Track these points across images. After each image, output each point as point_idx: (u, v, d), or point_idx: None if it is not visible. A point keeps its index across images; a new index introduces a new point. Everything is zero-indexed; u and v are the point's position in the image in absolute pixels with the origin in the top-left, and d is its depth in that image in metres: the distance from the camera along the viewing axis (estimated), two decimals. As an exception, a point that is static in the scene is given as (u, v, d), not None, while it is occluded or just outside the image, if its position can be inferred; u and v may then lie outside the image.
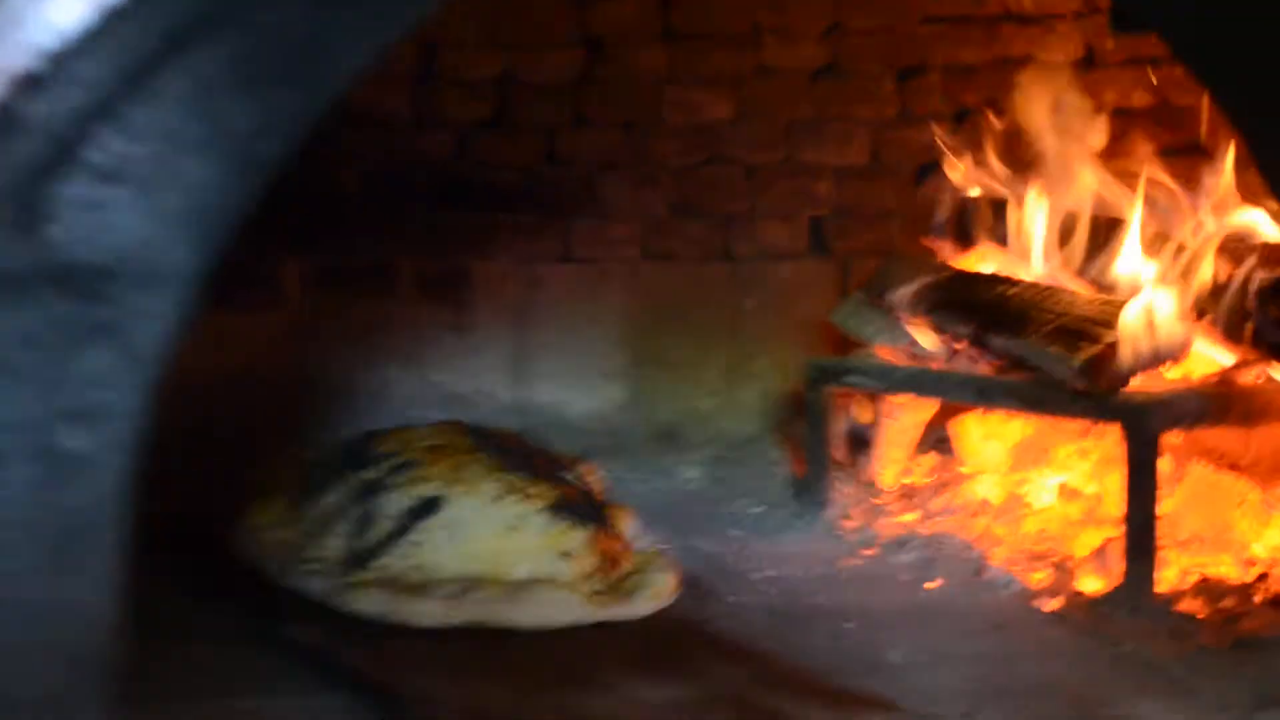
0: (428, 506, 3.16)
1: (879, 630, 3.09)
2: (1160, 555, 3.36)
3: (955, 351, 3.74)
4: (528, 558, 3.11)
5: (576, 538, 3.19)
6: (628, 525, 3.47)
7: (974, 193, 4.12)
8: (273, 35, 1.44)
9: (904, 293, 3.92)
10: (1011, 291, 3.69)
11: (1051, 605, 3.23)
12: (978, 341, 3.61)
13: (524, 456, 3.44)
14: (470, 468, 3.26)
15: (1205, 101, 3.39)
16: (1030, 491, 3.85)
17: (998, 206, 3.99)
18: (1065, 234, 3.80)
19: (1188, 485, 3.61)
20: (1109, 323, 3.34)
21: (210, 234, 1.44)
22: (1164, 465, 3.71)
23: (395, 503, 3.18)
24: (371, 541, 3.13)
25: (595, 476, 3.70)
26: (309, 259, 4.62)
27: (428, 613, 2.98)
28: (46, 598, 1.31)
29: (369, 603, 3.00)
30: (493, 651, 2.91)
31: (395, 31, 1.52)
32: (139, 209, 1.34)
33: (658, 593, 3.20)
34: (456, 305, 4.71)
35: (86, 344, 1.36)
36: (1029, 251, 3.85)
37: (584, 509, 3.30)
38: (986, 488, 3.89)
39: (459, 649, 2.93)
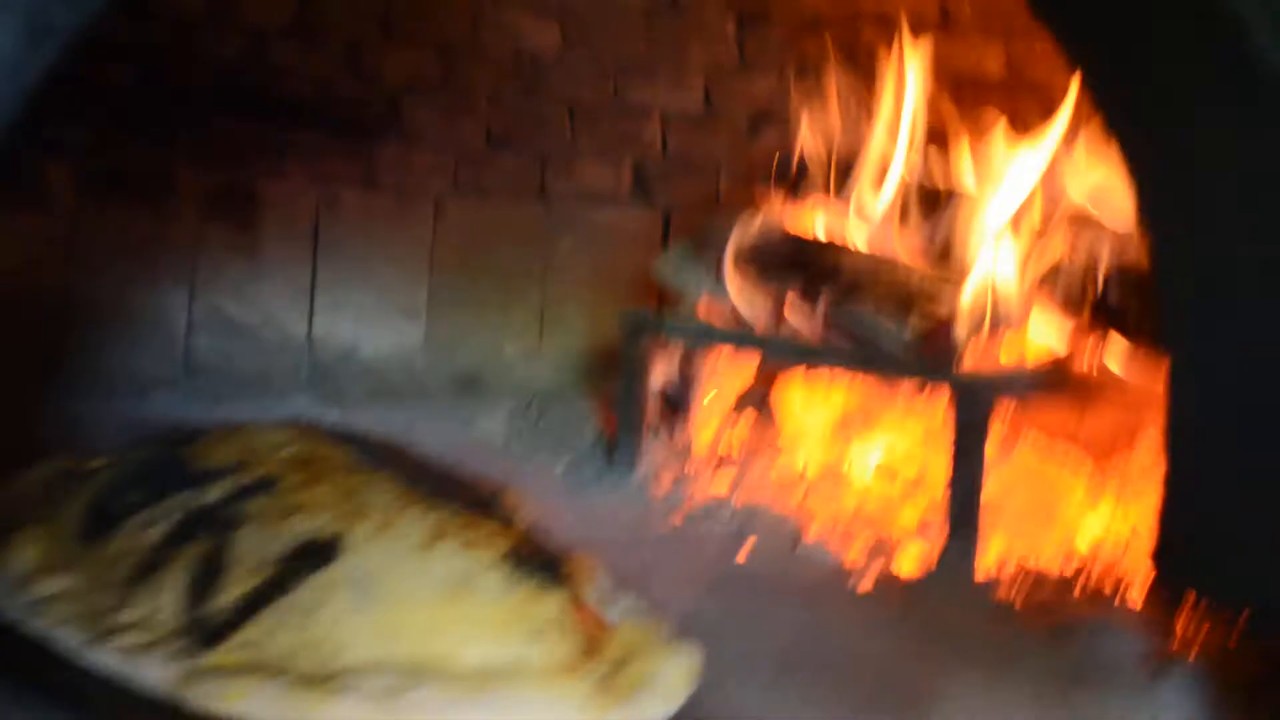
0: (316, 552, 2.28)
1: (685, 597, 3.18)
2: (980, 542, 3.53)
3: (780, 319, 3.86)
4: (481, 636, 2.29)
5: (549, 607, 2.39)
6: (592, 585, 2.66)
7: (813, 147, 4.23)
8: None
9: (732, 250, 4.02)
10: (845, 259, 3.81)
11: (867, 584, 3.36)
12: (807, 297, 3.73)
13: (436, 479, 2.69)
14: (369, 494, 2.45)
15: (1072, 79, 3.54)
16: (851, 465, 3.99)
17: (839, 169, 4.11)
18: (903, 202, 3.94)
19: (1013, 468, 3.78)
20: (937, 294, 3.49)
21: (6, 99, 1.47)
22: (989, 448, 3.89)
23: (259, 545, 2.30)
24: (226, 604, 2.23)
25: (524, 510, 2.90)
26: (78, 159, 4.55)
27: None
28: None
29: (244, 703, 2.09)
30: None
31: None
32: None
33: (670, 690, 2.45)
34: (242, 225, 4.68)
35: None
36: (867, 219, 3.98)
37: (548, 562, 2.54)
38: (805, 459, 4.02)
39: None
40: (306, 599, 2.22)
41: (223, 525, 2.33)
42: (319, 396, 4.72)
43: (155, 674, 2.13)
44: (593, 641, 2.42)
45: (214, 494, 2.40)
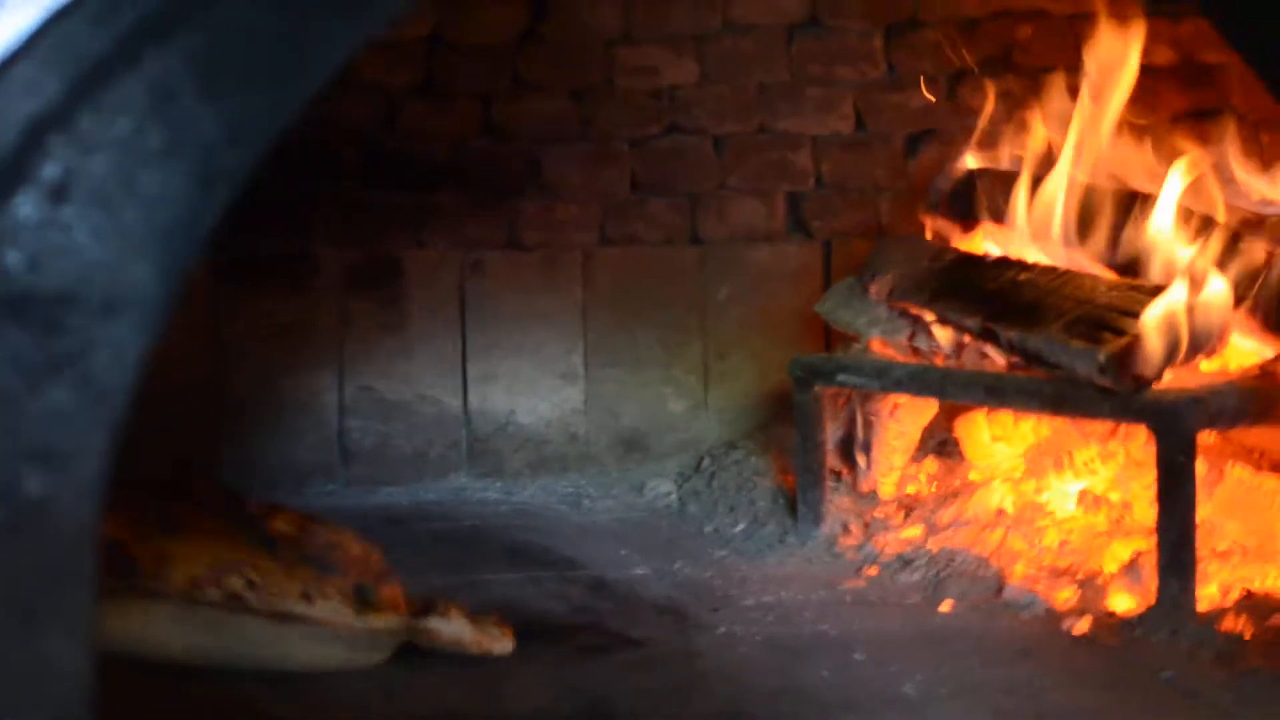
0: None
1: (891, 660, 3.16)
2: (1199, 569, 3.45)
3: (961, 345, 3.81)
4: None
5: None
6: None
7: (975, 165, 4.19)
8: (237, 35, 1.49)
9: (900, 279, 3.99)
10: (1024, 277, 3.76)
11: (1080, 627, 3.30)
12: (986, 335, 3.68)
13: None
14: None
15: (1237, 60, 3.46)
16: (1050, 500, 3.93)
17: (1004, 180, 4.05)
18: (1084, 211, 3.87)
19: (1225, 490, 3.70)
20: (1135, 312, 3.42)
21: (174, 253, 1.49)
22: (1199, 468, 3.81)
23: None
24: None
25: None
26: (214, 244, 4.61)
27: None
28: (16, 658, 1.36)
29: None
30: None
31: (372, 27, 1.57)
32: (96, 228, 1.39)
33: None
34: (387, 299, 4.75)
35: (47, 379, 1.41)
36: (1043, 231, 3.92)
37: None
38: (999, 496, 3.97)
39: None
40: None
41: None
42: (479, 471, 4.76)
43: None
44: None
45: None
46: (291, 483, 4.64)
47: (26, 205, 1.42)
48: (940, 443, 4.42)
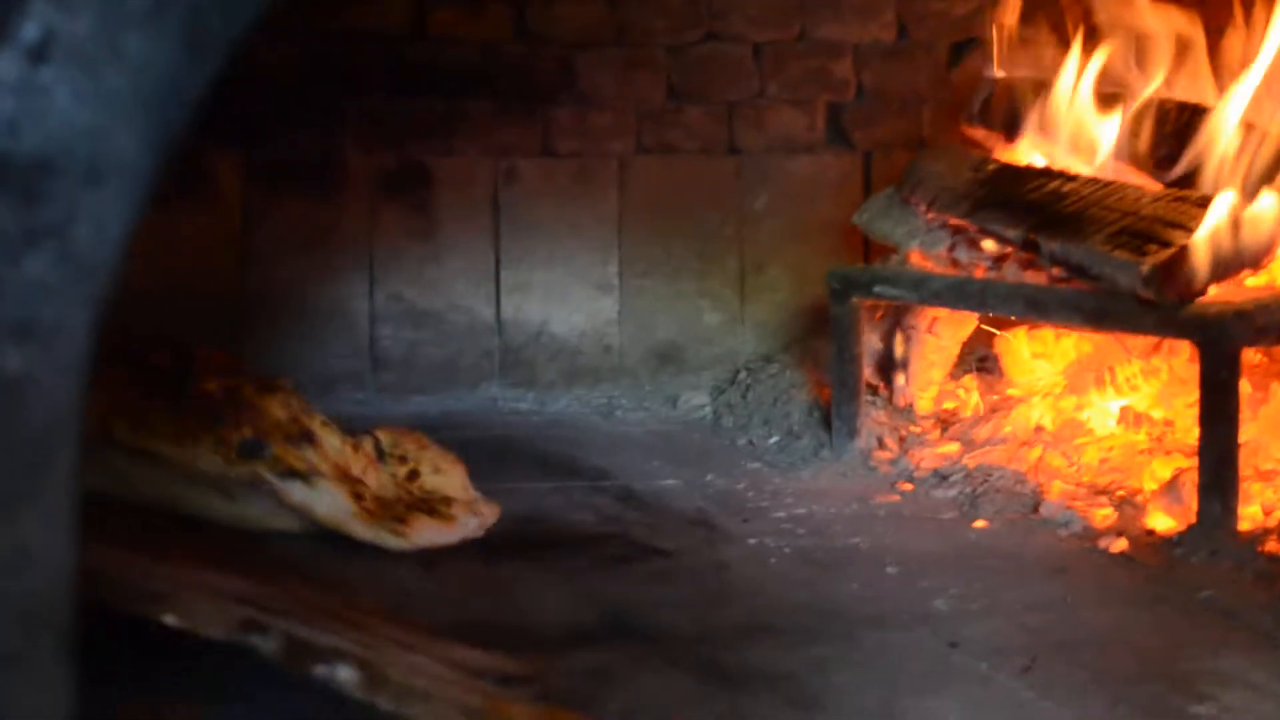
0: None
1: (922, 575, 3.08)
2: (1241, 488, 3.37)
3: (1002, 258, 3.71)
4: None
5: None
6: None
7: (1020, 73, 4.08)
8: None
9: (940, 190, 3.89)
10: (1068, 188, 3.66)
11: (1117, 546, 3.22)
12: (1028, 246, 3.58)
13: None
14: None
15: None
16: (1090, 417, 3.85)
17: (1049, 88, 3.94)
18: (1131, 120, 3.77)
19: (1271, 409, 3.61)
20: (1181, 223, 3.32)
21: (161, 122, 1.41)
22: (1244, 386, 3.72)
23: None
24: None
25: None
26: (245, 151, 4.56)
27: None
28: (-5, 544, 1.29)
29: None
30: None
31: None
32: (78, 92, 1.30)
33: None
34: (418, 206, 4.67)
35: (25, 250, 1.33)
36: (1087, 141, 3.82)
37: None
38: (1039, 413, 3.88)
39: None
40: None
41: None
42: (511, 382, 4.70)
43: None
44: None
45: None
46: (320, 390, 4.52)
47: (4, 66, 1.34)
48: (980, 359, 4.34)
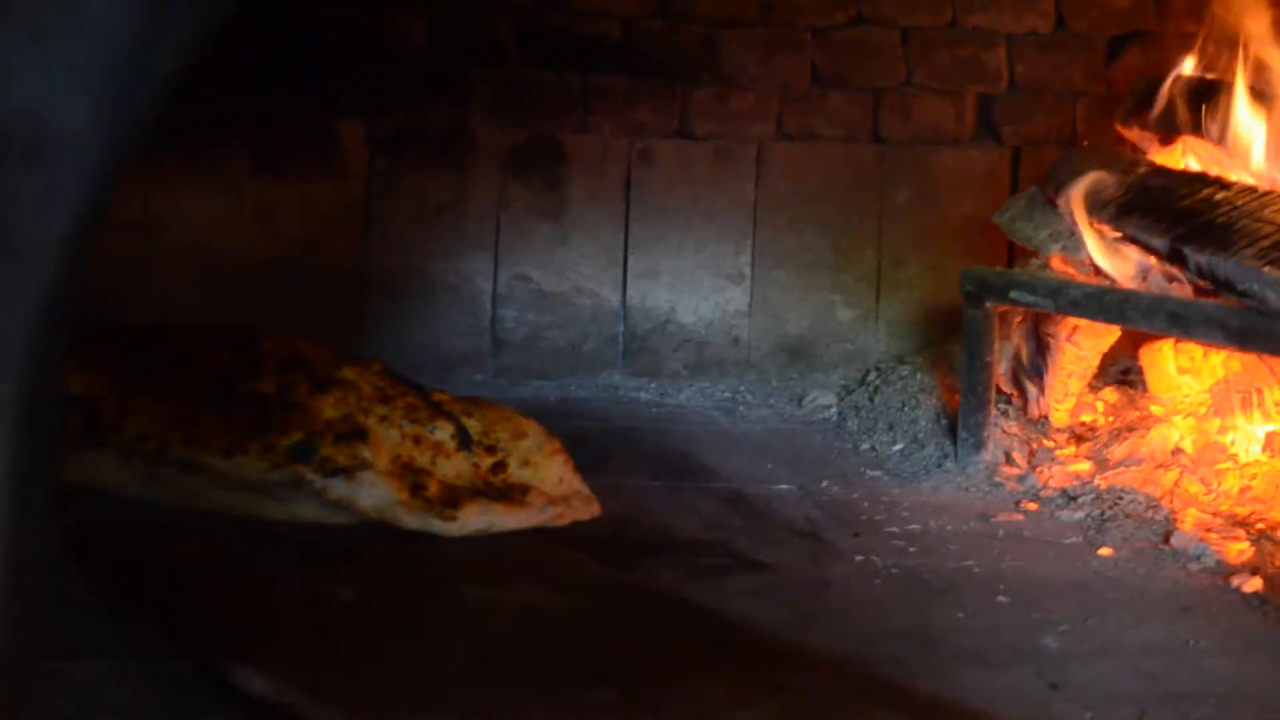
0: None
1: (1036, 605, 2.89)
2: (1389, 526, 3.14)
3: (1148, 268, 3.49)
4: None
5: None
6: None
7: (1184, 71, 3.85)
8: None
9: (1087, 192, 3.67)
10: (1221, 196, 3.42)
11: (1251, 585, 3.00)
12: (1174, 256, 3.36)
13: None
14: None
15: None
16: (1234, 441, 3.62)
17: (1212, 91, 3.71)
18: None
19: None
20: (1343, 238, 3.09)
21: (121, 92, 1.25)
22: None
23: None
24: None
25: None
26: (371, 120, 4.44)
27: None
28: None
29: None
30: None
31: None
32: (26, 59, 1.16)
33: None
34: (548, 184, 4.53)
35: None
36: (1248, 147, 3.58)
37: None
38: (1179, 434, 3.66)
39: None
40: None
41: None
42: (634, 371, 4.55)
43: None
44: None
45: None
46: (438, 370, 4.45)
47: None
48: (1123, 371, 4.13)
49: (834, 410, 4.30)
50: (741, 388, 4.53)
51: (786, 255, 4.59)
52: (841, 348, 4.59)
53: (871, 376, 4.38)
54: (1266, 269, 3.11)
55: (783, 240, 4.59)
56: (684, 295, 4.57)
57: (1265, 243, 3.19)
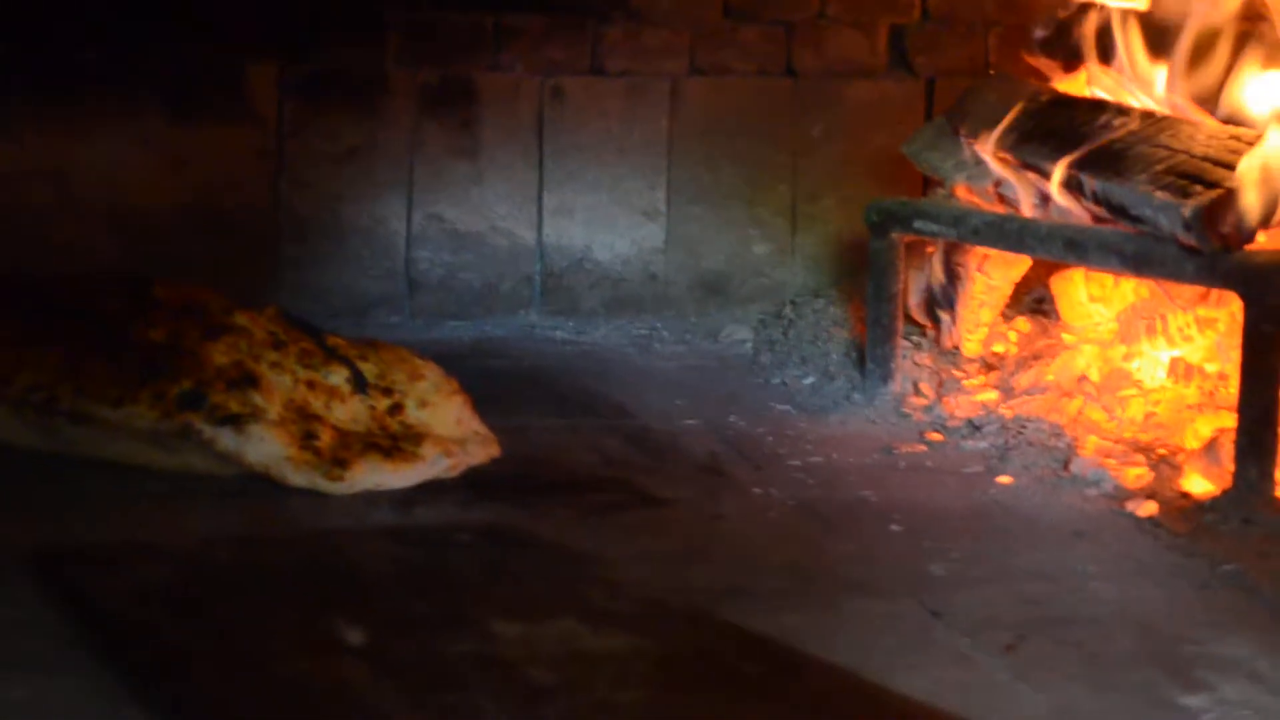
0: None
1: (927, 535, 2.89)
2: (1282, 449, 3.14)
3: (1049, 195, 3.48)
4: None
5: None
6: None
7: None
8: None
9: (990, 121, 3.66)
10: (1119, 122, 3.41)
11: (1146, 510, 3.00)
12: (1070, 183, 3.35)
13: None
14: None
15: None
16: (1140, 367, 3.62)
17: (1113, 17, 3.68)
18: (1197, 53, 3.50)
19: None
20: (1234, 164, 3.07)
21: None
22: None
23: None
24: None
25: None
26: (284, 65, 4.40)
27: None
28: None
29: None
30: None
31: None
32: None
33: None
34: (461, 123, 4.49)
35: None
36: (1148, 74, 3.56)
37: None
38: (1085, 361, 3.66)
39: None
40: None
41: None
42: (551, 309, 4.53)
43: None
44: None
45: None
46: (354, 312, 4.44)
47: None
48: (1037, 300, 4.12)
49: (749, 345, 4.30)
50: (658, 324, 4.51)
51: (702, 191, 4.57)
52: (758, 282, 4.57)
53: (787, 310, 4.37)
54: (1159, 194, 3.11)
55: (698, 176, 4.56)
56: (600, 232, 4.55)
57: (1159, 167, 3.19)
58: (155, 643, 2.30)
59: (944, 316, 3.95)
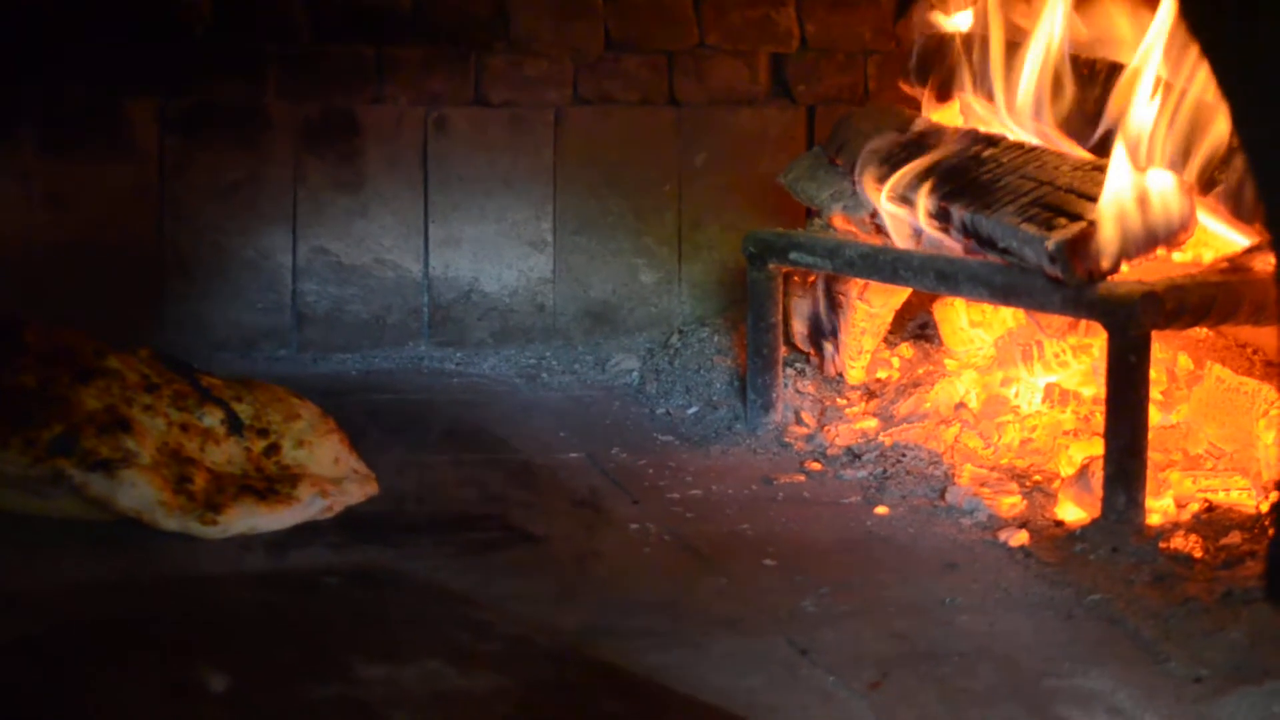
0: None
1: (801, 569, 2.91)
2: (1162, 476, 3.18)
3: (920, 227, 3.51)
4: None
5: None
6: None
7: (955, 27, 3.87)
8: None
9: (864, 151, 3.69)
10: (988, 153, 3.45)
11: (1017, 539, 3.03)
12: (940, 215, 3.38)
13: None
14: None
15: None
16: (1018, 393, 3.65)
17: (983, 46, 3.72)
18: (1060, 83, 3.54)
19: (1204, 390, 3.41)
20: (1095, 195, 3.11)
21: None
22: (1182, 363, 3.52)
23: None
24: None
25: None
26: (164, 101, 4.39)
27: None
28: None
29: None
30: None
31: None
32: None
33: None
34: (344, 156, 4.50)
35: None
36: (1018, 104, 3.60)
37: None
38: (964, 388, 3.69)
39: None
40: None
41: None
42: (439, 341, 4.54)
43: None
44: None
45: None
46: (241, 346, 4.44)
47: None
48: (921, 326, 4.16)
49: (636, 374, 4.31)
50: (547, 354, 4.52)
51: (589, 220, 4.59)
52: (646, 311, 4.59)
53: (673, 339, 4.39)
54: (1025, 226, 3.14)
55: (585, 205, 4.58)
56: (487, 264, 4.56)
57: (1025, 199, 3.22)
58: (12, 698, 2.28)
59: (827, 345, 3.98)
